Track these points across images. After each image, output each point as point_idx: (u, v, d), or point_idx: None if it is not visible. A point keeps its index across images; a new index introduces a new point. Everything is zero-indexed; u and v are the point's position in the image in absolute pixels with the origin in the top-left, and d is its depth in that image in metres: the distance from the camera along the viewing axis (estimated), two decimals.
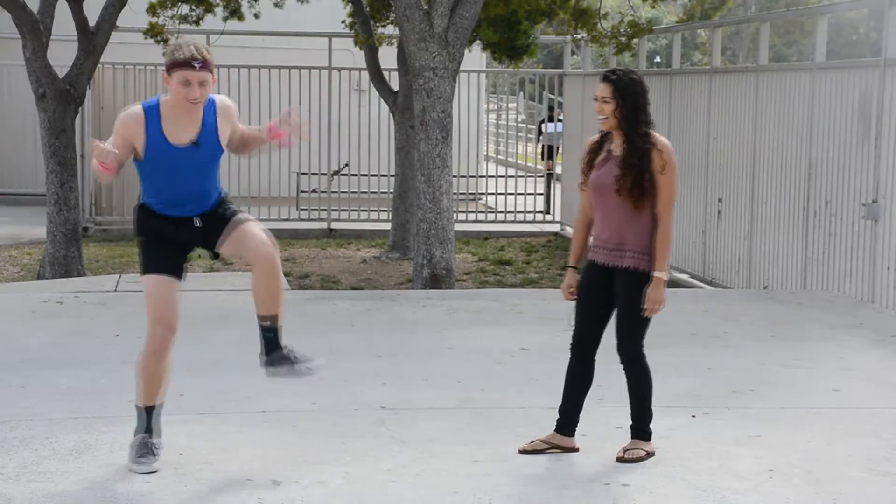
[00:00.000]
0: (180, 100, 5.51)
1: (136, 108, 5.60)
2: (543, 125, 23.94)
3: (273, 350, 5.78)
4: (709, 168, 13.83)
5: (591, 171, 5.93)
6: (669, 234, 5.82)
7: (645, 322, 5.86)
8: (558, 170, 22.12)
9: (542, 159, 23.50)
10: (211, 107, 5.65)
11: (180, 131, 5.58)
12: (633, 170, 5.74)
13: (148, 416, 5.69)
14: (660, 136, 5.84)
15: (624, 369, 5.95)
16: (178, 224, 5.68)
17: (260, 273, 5.68)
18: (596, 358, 6.07)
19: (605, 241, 5.88)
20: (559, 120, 22.10)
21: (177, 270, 5.70)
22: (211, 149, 5.64)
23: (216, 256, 5.87)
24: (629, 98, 5.75)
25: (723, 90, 13.59)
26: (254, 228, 5.71)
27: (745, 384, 7.48)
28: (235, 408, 6.76)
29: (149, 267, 5.67)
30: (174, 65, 5.49)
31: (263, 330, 5.79)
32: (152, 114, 5.57)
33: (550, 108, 23.64)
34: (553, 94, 21.82)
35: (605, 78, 5.81)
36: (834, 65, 11.75)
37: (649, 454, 5.91)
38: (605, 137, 5.95)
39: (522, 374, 7.74)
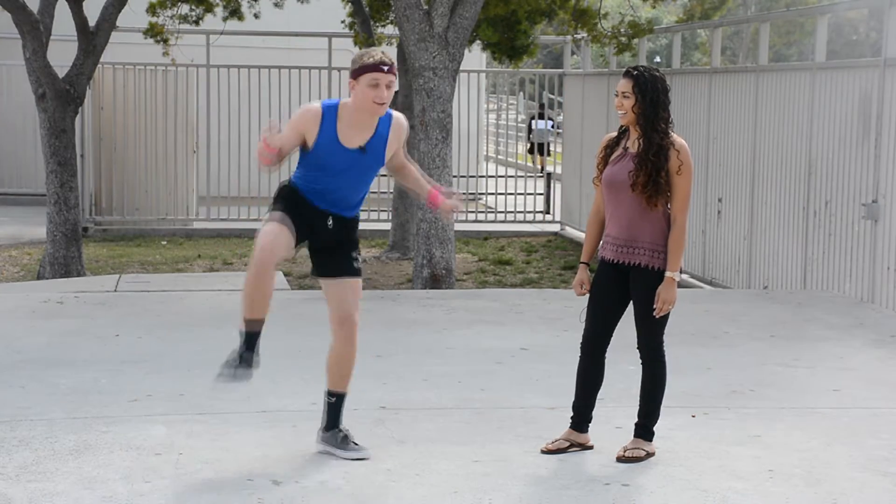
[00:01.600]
0: (367, 101, 5.64)
1: (316, 105, 5.74)
2: (533, 122, 24.43)
3: (332, 427, 5.93)
4: (709, 168, 13.83)
5: (606, 168, 5.93)
6: (684, 235, 5.83)
7: (663, 318, 5.86)
8: (549, 167, 22.32)
9: (533, 156, 24.03)
10: (387, 119, 5.81)
11: (354, 135, 5.71)
12: (648, 165, 5.74)
13: (252, 334, 5.67)
14: (678, 137, 5.85)
15: (642, 366, 5.96)
16: (315, 213, 5.78)
17: (338, 341, 5.86)
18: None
19: (615, 237, 5.89)
20: (549, 118, 22.55)
21: (298, 232, 5.75)
22: (376, 157, 5.78)
23: (315, 272, 5.97)
24: (649, 94, 5.75)
25: (723, 90, 13.59)
26: (357, 294, 5.85)
27: (745, 384, 7.48)
28: (235, 408, 6.76)
29: (275, 212, 5.73)
30: (364, 68, 5.64)
31: (330, 404, 5.96)
32: (331, 113, 5.72)
33: (541, 106, 24.05)
34: (553, 93, 21.82)
35: (627, 73, 5.82)
36: (834, 65, 11.75)
37: (649, 454, 5.91)
38: (621, 135, 5.96)
39: (522, 374, 7.74)
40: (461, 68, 12.55)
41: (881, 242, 10.49)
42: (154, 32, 15.71)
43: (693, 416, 6.71)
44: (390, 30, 17.37)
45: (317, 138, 5.70)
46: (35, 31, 13.39)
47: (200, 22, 16.23)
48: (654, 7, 17.14)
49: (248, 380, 5.70)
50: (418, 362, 8.02)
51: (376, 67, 5.63)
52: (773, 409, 6.90)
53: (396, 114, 5.88)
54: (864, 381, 7.67)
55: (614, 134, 6.02)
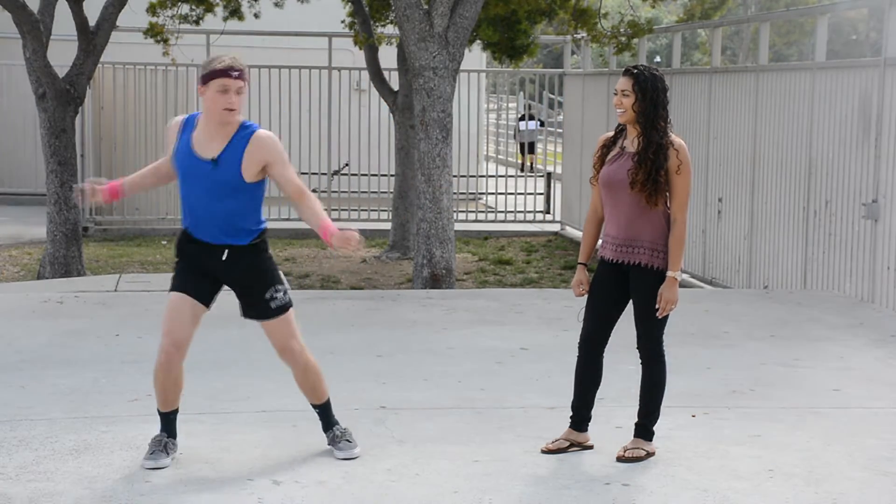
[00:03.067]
0: (217, 109, 5.60)
1: (181, 116, 5.78)
2: (522, 123, 25.30)
3: (328, 429, 6.01)
4: (709, 168, 13.83)
5: (603, 167, 5.92)
6: (684, 235, 5.81)
7: (664, 318, 5.86)
8: (539, 165, 22.55)
9: (524, 156, 24.97)
10: (247, 134, 5.68)
11: (206, 145, 5.63)
12: (647, 164, 5.73)
13: (164, 419, 5.82)
14: (677, 136, 5.85)
15: (642, 366, 5.96)
16: (207, 251, 5.68)
17: (290, 367, 5.91)
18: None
19: (614, 237, 5.88)
20: (535, 118, 23.33)
21: (200, 293, 5.72)
22: (229, 172, 5.59)
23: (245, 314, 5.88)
24: (649, 93, 5.74)
25: (723, 90, 13.59)
26: (284, 328, 5.77)
27: (745, 384, 7.48)
28: (235, 408, 6.76)
29: (172, 284, 5.77)
30: (213, 74, 5.63)
31: (316, 411, 6.05)
32: (190, 122, 5.70)
33: (528, 107, 24.86)
34: (553, 93, 21.84)
35: (627, 72, 5.82)
36: (834, 65, 11.75)
37: (649, 454, 5.91)
38: (618, 134, 5.95)
39: (522, 374, 7.74)
40: (461, 68, 12.54)
41: (881, 242, 10.49)
42: (154, 32, 15.70)
43: (693, 416, 6.71)
44: (390, 29, 17.37)
45: (175, 147, 5.67)
46: (35, 31, 13.39)
47: (200, 22, 16.22)
48: (653, 7, 17.13)
49: (166, 466, 5.69)
50: (418, 362, 8.02)
51: (225, 73, 5.60)
52: (773, 409, 6.90)
53: (261, 133, 5.70)
54: (864, 381, 7.67)
55: (611, 133, 6.00)
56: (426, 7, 11.80)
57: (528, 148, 25.94)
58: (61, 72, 13.92)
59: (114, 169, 19.01)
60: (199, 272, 5.72)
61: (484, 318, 9.63)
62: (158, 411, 5.83)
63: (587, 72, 19.19)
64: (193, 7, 15.96)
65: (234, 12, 16.38)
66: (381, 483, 5.52)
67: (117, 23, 14.27)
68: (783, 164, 12.19)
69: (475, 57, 21.27)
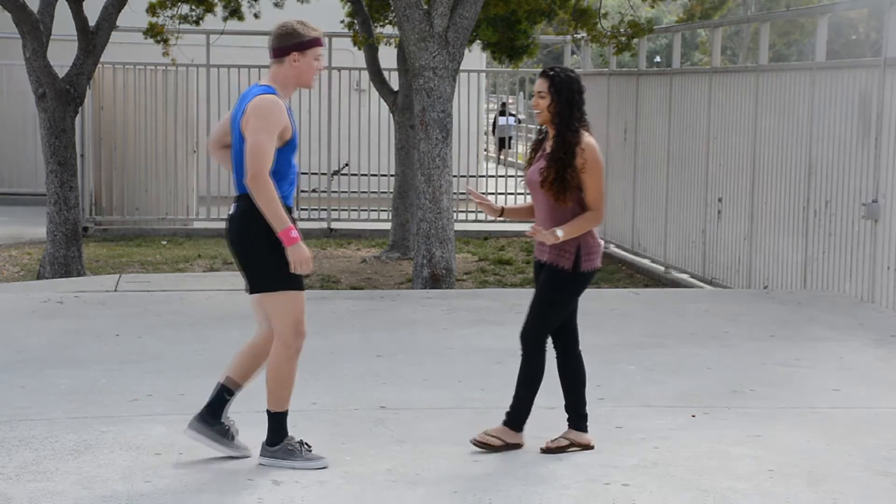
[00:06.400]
0: (311, 75, 5.70)
1: (270, 95, 5.64)
2: (503, 118, 27.16)
3: (205, 419, 5.89)
4: (709, 168, 13.83)
5: (528, 168, 6.13)
6: (595, 223, 5.92)
7: (548, 315, 5.96)
8: (511, 160, 22.94)
9: (501, 150, 27.00)
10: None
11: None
12: (557, 164, 5.88)
13: (286, 419, 5.78)
14: (588, 136, 5.97)
15: (522, 351, 6.09)
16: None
17: (261, 356, 5.84)
18: (580, 350, 6.14)
19: None
20: (511, 114, 24.46)
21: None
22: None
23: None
24: (564, 94, 5.90)
25: (723, 90, 13.59)
26: (272, 312, 5.70)
27: (745, 384, 7.48)
28: (235, 408, 6.74)
29: (295, 281, 5.65)
30: (313, 41, 5.65)
31: (220, 392, 5.90)
32: (279, 96, 5.70)
33: (503, 105, 26.42)
34: None
35: (544, 73, 5.99)
36: (834, 65, 11.75)
37: (579, 445, 5.98)
38: (545, 135, 6.11)
39: None
40: (461, 68, 12.54)
41: (881, 242, 10.49)
42: (154, 32, 15.70)
43: (693, 416, 6.71)
44: (390, 29, 17.37)
45: (291, 121, 5.72)
46: (35, 31, 13.39)
47: (200, 22, 16.22)
48: (653, 7, 17.14)
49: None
50: (418, 362, 8.02)
51: (320, 42, 5.70)
52: (773, 409, 6.90)
53: (261, 97, 5.69)
54: (864, 381, 7.67)
55: (540, 136, 6.17)
56: (426, 7, 11.80)
57: (506, 143, 27.37)
58: (61, 72, 13.92)
59: (114, 169, 19.02)
60: None
61: (484, 318, 9.63)
62: (283, 413, 5.75)
63: (587, 72, 19.19)
64: (193, 7, 15.96)
65: (234, 12, 16.38)
66: (381, 483, 5.52)
67: (117, 23, 14.27)
68: (783, 164, 12.19)
69: (475, 57, 21.26)
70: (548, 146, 6.00)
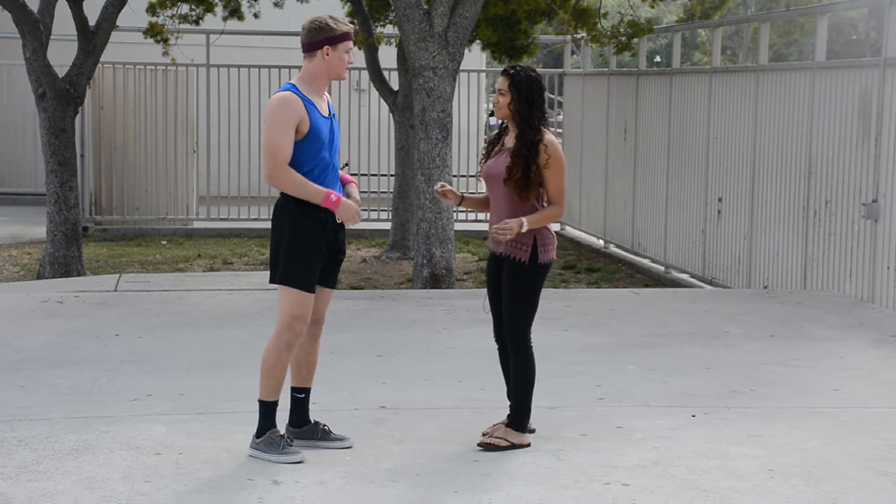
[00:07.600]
0: (342, 68, 5.81)
1: (287, 92, 5.73)
2: (493, 118, 26.83)
3: (301, 423, 6.03)
4: (709, 168, 13.83)
5: (486, 162, 6.16)
6: (556, 216, 6.02)
7: (526, 307, 5.99)
8: None
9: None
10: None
11: (319, 105, 5.84)
12: (523, 161, 5.95)
13: (273, 411, 5.86)
14: (549, 133, 6.05)
15: (510, 354, 6.08)
16: (333, 217, 5.91)
17: (310, 343, 5.96)
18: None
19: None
20: None
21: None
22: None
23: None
24: (524, 93, 5.98)
25: (723, 90, 13.59)
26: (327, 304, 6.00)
27: (745, 384, 7.48)
28: (235, 407, 6.76)
29: (310, 278, 5.87)
30: (344, 35, 5.76)
31: (291, 395, 6.03)
32: (300, 93, 5.75)
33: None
34: (553, 93, 21.84)
35: (505, 72, 6.08)
36: (834, 65, 11.75)
37: (515, 445, 5.98)
38: (503, 131, 6.18)
39: None
40: (461, 68, 12.54)
41: (881, 242, 10.49)
42: (154, 32, 15.70)
43: (693, 416, 6.71)
44: (390, 29, 17.37)
45: (311, 119, 5.75)
46: (35, 31, 13.39)
47: (200, 22, 16.22)
48: (653, 7, 17.13)
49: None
50: (418, 362, 8.02)
51: (350, 36, 5.80)
52: (773, 409, 6.90)
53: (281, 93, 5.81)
54: (864, 380, 7.67)
55: (497, 131, 6.25)
56: (426, 7, 11.80)
57: None
58: (61, 72, 13.92)
59: (114, 169, 19.02)
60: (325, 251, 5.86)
61: (484, 318, 9.60)
62: (270, 403, 5.84)
63: (587, 72, 19.19)
64: (193, 7, 15.96)
65: (234, 12, 16.38)
66: (381, 483, 5.52)
67: (117, 23, 14.27)
68: (783, 164, 12.19)
69: (475, 57, 21.27)
70: (506, 141, 6.10)
